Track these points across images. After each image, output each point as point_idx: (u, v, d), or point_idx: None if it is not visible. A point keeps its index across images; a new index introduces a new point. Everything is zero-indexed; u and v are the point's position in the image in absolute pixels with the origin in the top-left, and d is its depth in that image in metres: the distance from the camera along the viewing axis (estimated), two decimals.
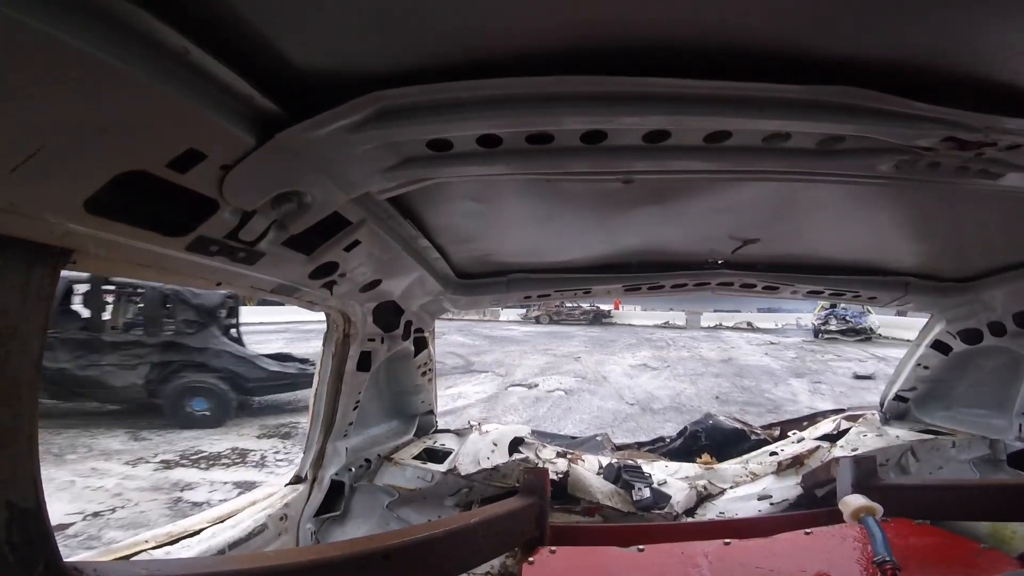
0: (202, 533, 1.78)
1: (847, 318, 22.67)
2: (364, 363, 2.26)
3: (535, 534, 1.86)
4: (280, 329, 21.05)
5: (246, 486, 6.11)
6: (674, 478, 2.85)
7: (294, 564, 1.27)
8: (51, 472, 6.33)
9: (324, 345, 2.19)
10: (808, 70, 0.86)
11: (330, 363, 2.17)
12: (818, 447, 2.92)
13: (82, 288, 9.19)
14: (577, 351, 18.52)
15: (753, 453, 3.23)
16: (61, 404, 8.63)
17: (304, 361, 10.52)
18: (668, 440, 3.85)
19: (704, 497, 2.77)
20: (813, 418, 3.58)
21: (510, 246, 2.17)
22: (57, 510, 5.47)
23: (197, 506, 5.86)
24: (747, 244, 2.05)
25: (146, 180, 0.84)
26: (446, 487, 2.59)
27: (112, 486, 6.35)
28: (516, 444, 2.85)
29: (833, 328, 22.80)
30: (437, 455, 2.77)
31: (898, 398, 3.00)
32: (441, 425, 3.16)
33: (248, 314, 15.16)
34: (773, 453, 3.10)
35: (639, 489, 2.66)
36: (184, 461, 7.24)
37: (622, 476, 2.75)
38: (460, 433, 3.01)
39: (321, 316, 2.09)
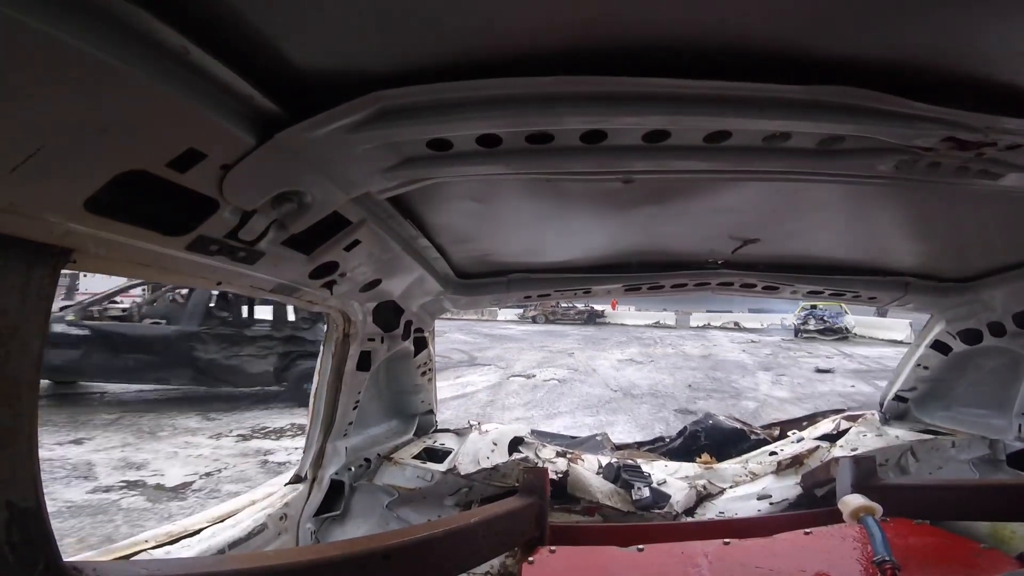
0: (202, 533, 1.78)
1: (825, 318, 23.88)
2: (364, 363, 2.26)
3: (535, 534, 1.86)
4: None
5: None
6: (674, 478, 2.86)
7: (294, 564, 1.27)
8: (154, 446, 7.43)
9: (324, 345, 2.19)
10: (808, 70, 0.86)
11: (330, 362, 2.17)
12: (818, 447, 2.92)
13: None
14: (571, 348, 19.56)
15: (753, 453, 3.23)
16: (198, 389, 9.83)
17: None
18: (668, 440, 3.85)
19: (704, 497, 2.77)
20: (813, 418, 3.58)
21: (510, 246, 2.17)
22: (176, 473, 6.46)
23: (282, 465, 6.58)
24: (747, 244, 2.05)
25: (146, 180, 0.84)
26: (446, 487, 2.60)
27: (208, 454, 7.25)
28: (516, 444, 2.85)
29: (812, 328, 23.89)
30: (437, 455, 2.77)
31: (898, 398, 3.00)
32: (443, 421, 3.16)
33: None
34: (773, 453, 3.10)
35: (639, 489, 2.66)
36: (256, 435, 8.18)
37: (622, 476, 2.75)
38: (460, 433, 3.01)
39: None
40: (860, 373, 14.41)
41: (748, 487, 2.83)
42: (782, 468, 2.83)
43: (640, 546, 1.60)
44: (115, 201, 0.85)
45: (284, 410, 9.37)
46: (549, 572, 1.54)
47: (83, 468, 6.47)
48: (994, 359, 2.60)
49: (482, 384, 12.37)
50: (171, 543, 1.69)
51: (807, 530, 1.67)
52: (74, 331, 9.09)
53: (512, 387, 12.22)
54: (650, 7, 0.75)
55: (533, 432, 3.34)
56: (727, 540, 1.61)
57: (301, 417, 9.07)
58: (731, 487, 2.85)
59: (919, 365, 2.84)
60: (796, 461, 2.83)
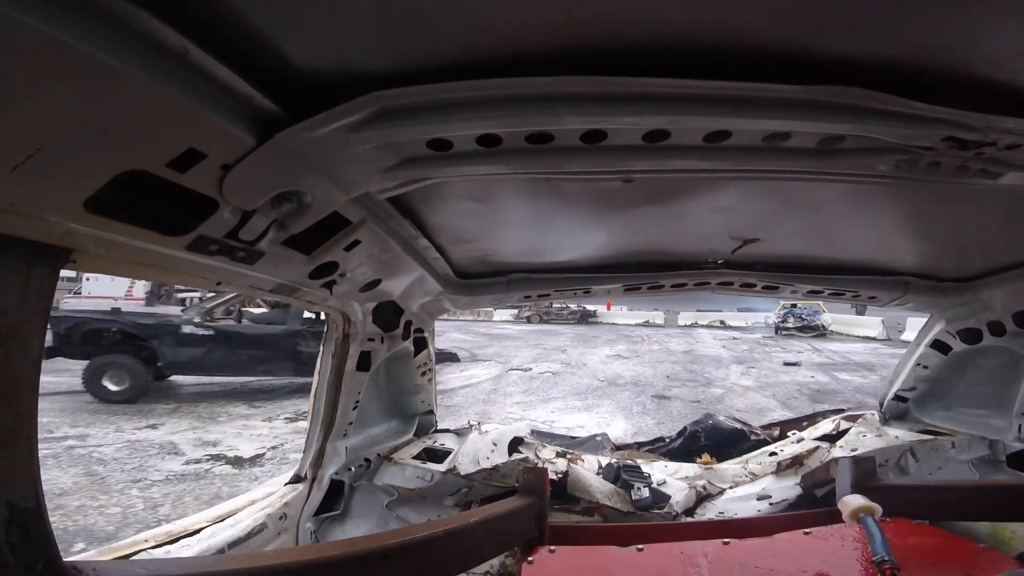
0: (201, 532, 1.78)
1: (803, 316, 25.15)
2: (364, 363, 2.26)
3: (534, 534, 1.86)
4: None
5: None
6: (673, 478, 2.86)
7: (293, 563, 1.27)
8: (219, 427, 8.41)
9: (323, 345, 2.19)
10: (808, 70, 0.86)
11: (330, 362, 2.17)
12: (817, 447, 2.92)
13: None
14: (564, 345, 20.93)
15: (752, 453, 3.23)
16: (297, 379, 10.76)
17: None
18: (668, 440, 3.86)
19: (703, 497, 2.77)
20: (813, 418, 3.58)
21: (510, 246, 2.17)
22: (248, 447, 7.42)
23: None
24: (747, 244, 2.05)
25: (146, 180, 0.84)
26: (446, 487, 2.60)
27: (266, 433, 8.20)
28: (516, 444, 2.85)
29: (791, 325, 25.12)
30: (437, 455, 2.77)
31: (897, 398, 3.00)
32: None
33: None
34: (772, 453, 3.10)
35: (638, 489, 2.66)
36: (300, 417, 8.79)
37: (621, 476, 2.75)
38: (460, 433, 3.01)
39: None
40: (823, 366, 15.78)
41: (748, 487, 2.83)
42: (782, 468, 2.83)
43: (640, 546, 1.59)
44: (115, 201, 0.85)
45: None
46: (549, 572, 1.53)
47: (168, 447, 7.34)
48: (994, 359, 2.60)
49: (484, 376, 13.79)
50: (171, 543, 1.69)
51: (807, 530, 1.67)
52: (200, 332, 10.24)
53: (511, 378, 13.65)
54: (650, 7, 0.75)
55: (533, 432, 3.34)
56: (727, 540, 1.60)
57: None
58: (731, 487, 2.85)
59: (919, 365, 2.84)
60: (796, 461, 2.83)
